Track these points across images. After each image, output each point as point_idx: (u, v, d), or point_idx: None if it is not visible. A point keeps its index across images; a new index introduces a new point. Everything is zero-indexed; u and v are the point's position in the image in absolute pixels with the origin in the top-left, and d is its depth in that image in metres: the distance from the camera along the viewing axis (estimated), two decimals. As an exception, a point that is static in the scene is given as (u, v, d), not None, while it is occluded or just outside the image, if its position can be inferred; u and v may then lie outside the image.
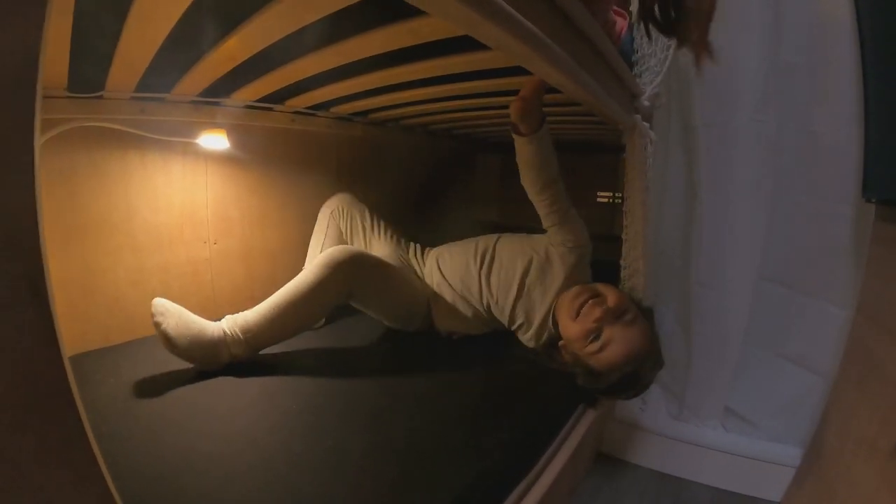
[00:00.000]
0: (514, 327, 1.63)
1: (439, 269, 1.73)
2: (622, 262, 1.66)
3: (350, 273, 1.45)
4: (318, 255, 1.47)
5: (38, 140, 0.33)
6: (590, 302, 1.42)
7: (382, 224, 1.93)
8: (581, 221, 1.55)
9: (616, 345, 1.36)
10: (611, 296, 1.42)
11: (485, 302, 1.64)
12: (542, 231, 1.59)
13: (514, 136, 1.44)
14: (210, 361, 1.31)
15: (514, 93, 1.45)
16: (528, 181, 1.49)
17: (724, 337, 1.78)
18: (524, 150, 1.44)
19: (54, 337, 0.34)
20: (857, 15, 1.44)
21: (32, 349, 0.32)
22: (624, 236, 1.64)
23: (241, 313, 1.39)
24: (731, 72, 1.65)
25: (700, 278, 1.79)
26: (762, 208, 1.67)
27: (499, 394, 1.35)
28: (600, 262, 1.63)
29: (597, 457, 1.87)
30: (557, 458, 1.30)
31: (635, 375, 1.39)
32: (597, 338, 1.38)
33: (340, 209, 1.90)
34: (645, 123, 1.38)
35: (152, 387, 1.26)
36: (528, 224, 1.61)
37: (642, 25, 1.25)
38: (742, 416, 1.81)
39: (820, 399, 1.60)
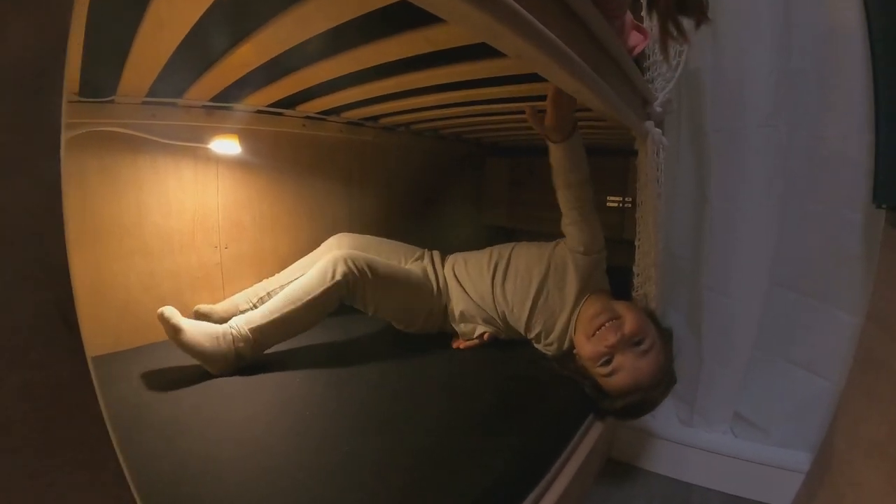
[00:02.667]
0: (531, 336, 1.63)
1: (455, 276, 1.73)
2: (635, 269, 1.66)
3: (350, 281, 1.49)
4: (323, 262, 1.52)
5: (64, 147, 0.33)
6: (606, 325, 1.40)
7: (388, 250, 1.92)
8: (599, 227, 1.54)
9: (625, 373, 1.36)
10: (629, 321, 1.39)
11: (500, 311, 1.63)
12: (554, 236, 1.59)
13: (546, 140, 1.44)
14: (222, 362, 1.34)
15: (528, 99, 1.45)
16: (557, 179, 1.49)
17: (734, 342, 1.77)
18: (555, 154, 1.44)
19: (86, 365, 0.33)
20: (867, 21, 1.44)
21: (64, 378, 0.32)
22: (637, 243, 1.63)
23: (245, 314, 1.44)
24: (742, 78, 1.64)
25: (710, 283, 1.78)
26: (772, 214, 1.67)
27: (510, 402, 1.35)
28: (610, 268, 1.62)
29: (607, 462, 1.87)
30: (568, 466, 1.29)
31: (642, 403, 1.39)
32: (608, 362, 1.37)
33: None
34: (657, 129, 1.38)
35: (164, 392, 1.26)
36: (537, 228, 1.60)
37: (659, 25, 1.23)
38: (752, 422, 1.81)
39: (829, 405, 1.59)
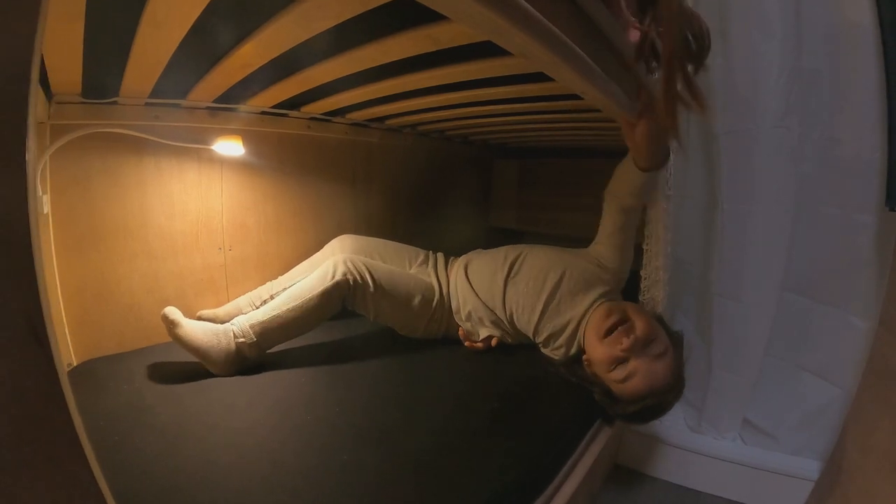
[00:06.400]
0: (538, 340, 1.60)
1: (466, 276, 1.71)
2: (642, 273, 1.64)
3: (349, 283, 1.50)
4: (324, 265, 1.54)
5: (32, 148, 0.31)
6: (620, 328, 1.37)
7: (391, 252, 1.91)
8: (632, 256, 1.54)
9: (640, 378, 1.33)
10: (640, 323, 1.36)
11: (508, 312, 1.61)
12: (562, 238, 1.57)
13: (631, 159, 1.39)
14: (222, 359, 1.34)
15: (535, 99, 1.43)
16: (615, 197, 1.48)
17: (744, 348, 1.74)
18: (630, 174, 1.39)
19: (56, 377, 0.32)
20: (879, 21, 1.42)
21: (34, 392, 0.30)
22: (645, 246, 1.61)
23: (248, 314, 1.46)
24: (753, 79, 1.62)
25: (720, 288, 1.76)
26: (784, 217, 1.64)
27: (515, 407, 1.33)
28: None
29: (614, 469, 1.85)
30: (574, 473, 1.28)
31: (655, 407, 1.37)
32: (622, 367, 1.35)
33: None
34: (667, 131, 1.36)
35: (166, 395, 1.25)
36: (545, 230, 1.58)
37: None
38: (761, 429, 1.78)
39: (841, 412, 1.57)
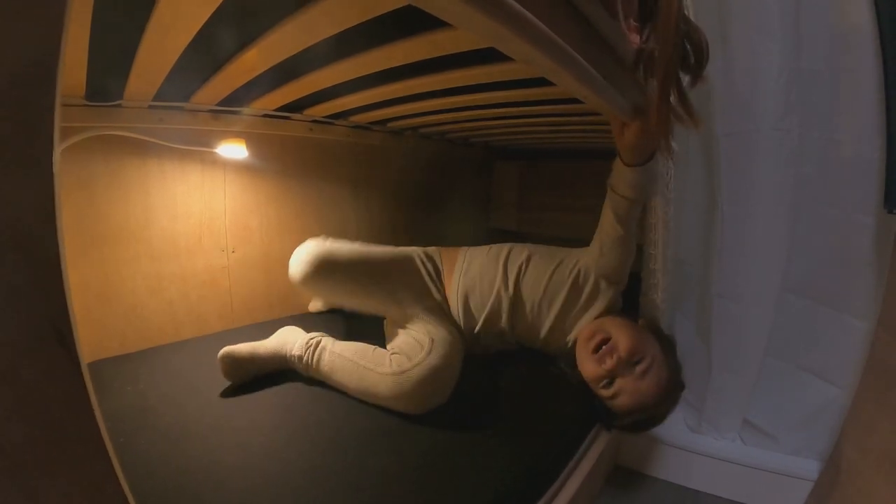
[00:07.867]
0: (537, 347, 1.60)
1: (460, 286, 1.61)
2: (642, 276, 1.64)
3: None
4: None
5: (58, 153, 0.31)
6: (604, 347, 1.38)
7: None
8: (632, 256, 1.47)
9: (627, 396, 1.35)
10: (623, 342, 1.35)
11: (507, 326, 1.57)
12: (563, 240, 1.55)
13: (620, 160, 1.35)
14: None
15: (537, 103, 1.43)
16: (613, 184, 1.40)
17: (744, 349, 1.74)
18: (621, 169, 1.34)
19: (81, 381, 0.32)
20: (879, 21, 1.42)
21: (59, 395, 0.31)
22: (645, 248, 1.61)
23: None
24: (752, 80, 1.62)
25: (720, 289, 1.76)
26: (783, 218, 1.64)
27: (517, 409, 1.34)
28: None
29: (614, 469, 1.85)
30: (575, 475, 1.28)
31: (649, 420, 1.40)
32: (609, 384, 1.36)
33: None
34: (667, 134, 1.36)
35: (169, 396, 1.26)
36: (547, 232, 1.57)
37: None
38: (761, 429, 1.78)
39: (840, 412, 1.57)
